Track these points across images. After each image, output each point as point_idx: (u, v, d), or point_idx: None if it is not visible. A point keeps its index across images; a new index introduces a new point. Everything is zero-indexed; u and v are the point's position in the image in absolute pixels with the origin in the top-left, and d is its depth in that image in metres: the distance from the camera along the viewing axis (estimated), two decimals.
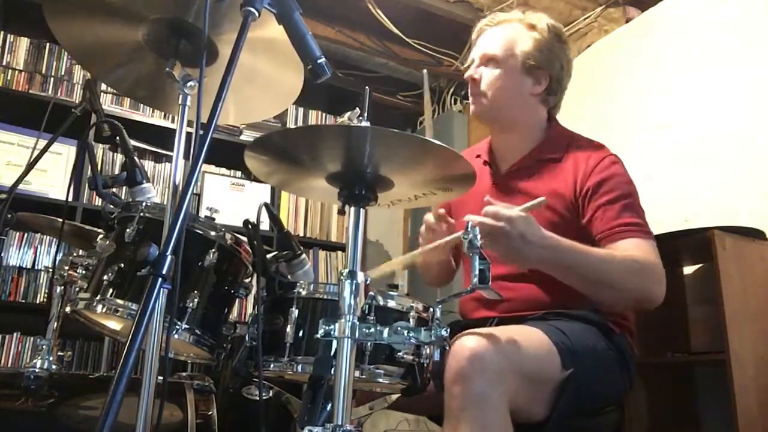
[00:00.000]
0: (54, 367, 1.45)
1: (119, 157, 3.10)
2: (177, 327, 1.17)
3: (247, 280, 1.34)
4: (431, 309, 1.17)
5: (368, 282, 1.03)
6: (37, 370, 1.40)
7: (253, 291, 1.26)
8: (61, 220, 1.66)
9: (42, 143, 1.53)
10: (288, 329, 1.12)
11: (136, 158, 1.40)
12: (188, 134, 1.10)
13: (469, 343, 1.16)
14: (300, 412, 1.05)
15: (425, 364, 1.13)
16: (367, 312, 1.08)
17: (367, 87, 1.21)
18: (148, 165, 3.18)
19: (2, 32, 2.99)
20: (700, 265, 2.33)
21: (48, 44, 3.07)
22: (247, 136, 3.38)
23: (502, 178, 1.58)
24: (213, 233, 1.25)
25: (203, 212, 1.31)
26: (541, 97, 1.57)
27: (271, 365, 1.13)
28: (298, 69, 1.22)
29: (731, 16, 2.48)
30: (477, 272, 1.13)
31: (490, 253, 1.13)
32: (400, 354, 1.09)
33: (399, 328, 1.04)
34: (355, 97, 3.40)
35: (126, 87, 1.46)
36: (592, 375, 1.30)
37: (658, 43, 2.79)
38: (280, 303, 1.16)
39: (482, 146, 1.69)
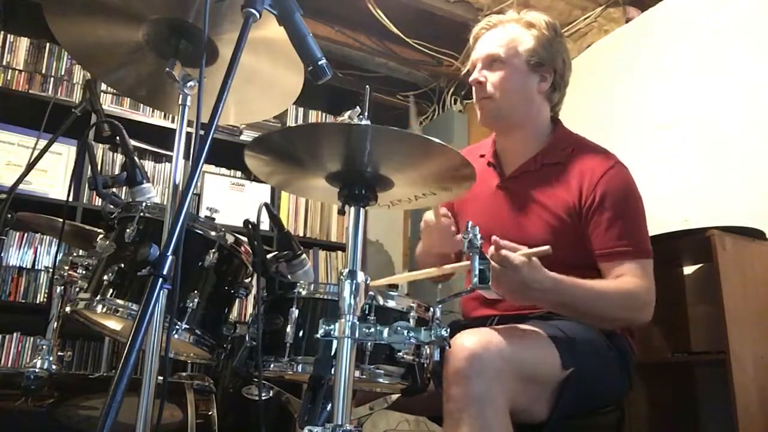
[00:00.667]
0: (54, 367, 1.45)
1: (119, 157, 3.10)
2: (177, 327, 1.17)
3: (247, 280, 1.34)
4: (431, 309, 1.17)
5: (368, 282, 1.03)
6: (37, 370, 1.40)
7: (253, 291, 1.26)
8: (61, 220, 1.66)
9: (42, 143, 1.53)
10: (288, 329, 1.12)
11: (136, 158, 1.40)
12: (188, 134, 1.10)
13: (467, 343, 1.16)
14: (300, 412, 1.05)
15: (425, 364, 1.13)
16: (367, 312, 1.08)
17: (367, 86, 1.21)
18: (148, 165, 3.18)
19: (2, 32, 2.99)
20: (700, 265, 2.33)
21: (48, 44, 3.07)
22: (247, 136, 3.38)
23: (506, 181, 1.57)
24: (213, 233, 1.25)
25: (203, 212, 1.31)
26: (546, 94, 1.56)
27: (271, 365, 1.13)
28: (298, 69, 1.22)
29: (731, 16, 2.48)
30: (477, 272, 1.13)
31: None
32: (400, 354, 1.09)
33: (399, 328, 1.04)
34: (355, 98, 3.39)
35: (126, 87, 1.46)
36: (592, 375, 1.30)
37: (658, 43, 2.79)
38: (280, 303, 1.16)
39: (486, 146, 1.67)
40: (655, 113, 2.72)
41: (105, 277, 1.21)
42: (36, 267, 2.83)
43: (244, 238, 1.27)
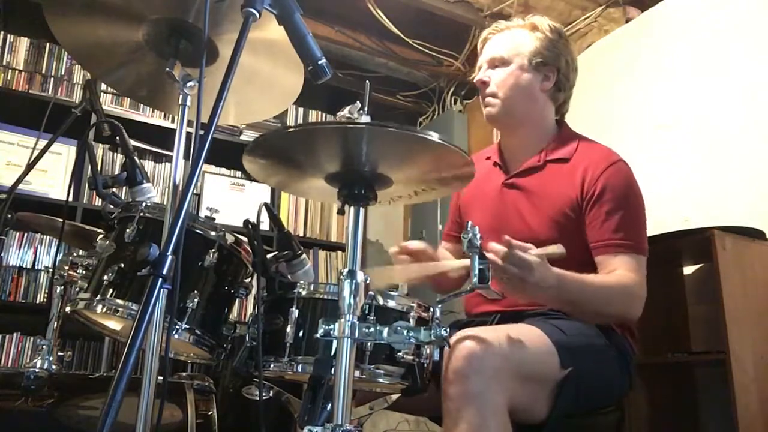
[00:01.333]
0: (54, 367, 1.45)
1: (119, 157, 3.10)
2: (177, 327, 1.17)
3: (247, 280, 1.34)
4: (431, 309, 1.17)
5: (368, 281, 1.03)
6: (37, 370, 1.40)
7: (253, 291, 1.26)
8: (61, 220, 1.66)
9: (42, 143, 1.53)
10: (288, 329, 1.11)
11: (136, 158, 1.40)
12: (188, 134, 1.10)
13: (466, 342, 1.16)
14: (300, 412, 1.05)
15: (425, 364, 1.13)
16: (367, 312, 1.08)
17: (367, 81, 1.21)
18: (148, 165, 3.18)
19: (2, 32, 2.99)
20: (700, 265, 2.33)
21: (48, 44, 3.07)
22: (247, 136, 3.39)
23: (511, 178, 1.59)
24: (213, 233, 1.25)
25: (203, 212, 1.31)
26: (550, 93, 1.59)
27: (271, 365, 1.13)
28: (298, 69, 1.22)
29: (731, 16, 2.48)
30: (477, 272, 1.13)
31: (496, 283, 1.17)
32: (400, 354, 1.09)
33: (399, 328, 1.04)
34: (355, 98, 3.37)
35: (126, 87, 1.46)
36: (591, 374, 1.30)
37: (658, 43, 2.79)
38: (280, 303, 1.16)
39: (492, 149, 1.71)
40: (655, 113, 2.72)
41: (105, 277, 1.21)
42: (36, 267, 2.83)
43: (244, 238, 1.27)
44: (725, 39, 2.48)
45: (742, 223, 2.10)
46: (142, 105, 3.12)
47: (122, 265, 1.21)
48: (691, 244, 2.12)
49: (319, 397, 1.02)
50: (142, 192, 1.39)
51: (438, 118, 4.06)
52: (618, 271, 1.38)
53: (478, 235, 1.14)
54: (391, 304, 1.13)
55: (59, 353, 1.55)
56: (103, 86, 2.88)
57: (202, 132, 0.84)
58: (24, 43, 3.04)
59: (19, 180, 1.45)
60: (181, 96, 1.15)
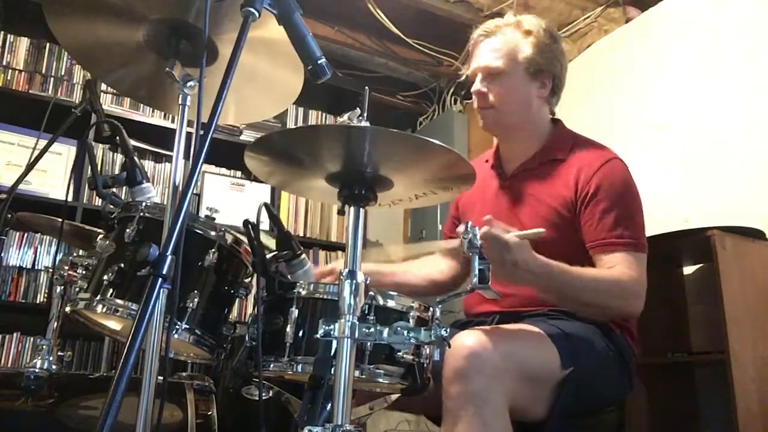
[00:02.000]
0: (54, 367, 1.45)
1: (119, 157, 3.10)
2: (177, 327, 1.17)
3: (247, 280, 1.34)
4: (431, 309, 1.17)
5: (368, 282, 1.03)
6: (37, 370, 1.40)
7: (253, 291, 1.26)
8: (61, 220, 1.66)
9: (42, 143, 1.53)
10: (288, 329, 1.12)
11: (136, 158, 1.40)
12: (188, 134, 1.10)
13: (467, 341, 1.16)
14: (300, 412, 1.05)
15: (425, 364, 1.13)
16: (366, 312, 1.08)
17: (366, 87, 1.21)
18: (148, 165, 3.18)
19: (2, 32, 2.99)
20: (700, 265, 2.33)
21: (48, 44, 3.07)
22: (247, 136, 3.38)
23: (508, 180, 1.60)
24: (213, 233, 1.25)
25: (203, 212, 1.31)
26: (546, 99, 1.59)
27: (271, 365, 1.13)
28: (298, 69, 1.22)
29: (731, 16, 2.48)
30: (477, 272, 1.13)
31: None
32: (400, 354, 1.09)
33: (399, 328, 1.04)
34: (355, 97, 3.38)
35: (126, 87, 1.46)
36: (591, 374, 1.30)
37: (658, 43, 2.79)
38: (280, 303, 1.16)
39: (490, 152, 1.72)
40: (655, 113, 2.72)
41: (105, 277, 1.20)
42: (36, 267, 2.83)
43: (245, 238, 1.27)
44: (725, 39, 2.48)
45: (742, 223, 2.10)
46: (142, 105, 3.12)
47: (122, 265, 1.21)
48: (691, 244, 2.12)
49: (319, 397, 1.02)
50: (142, 192, 1.39)
51: (438, 118, 4.05)
52: (617, 267, 1.37)
53: (479, 236, 1.15)
54: (391, 304, 1.14)
55: (59, 353, 1.55)
56: (103, 86, 2.88)
57: (202, 132, 0.84)
58: (24, 43, 3.03)
59: (19, 180, 1.45)
60: (181, 96, 1.16)
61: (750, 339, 1.93)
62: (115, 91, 3.09)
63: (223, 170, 3.39)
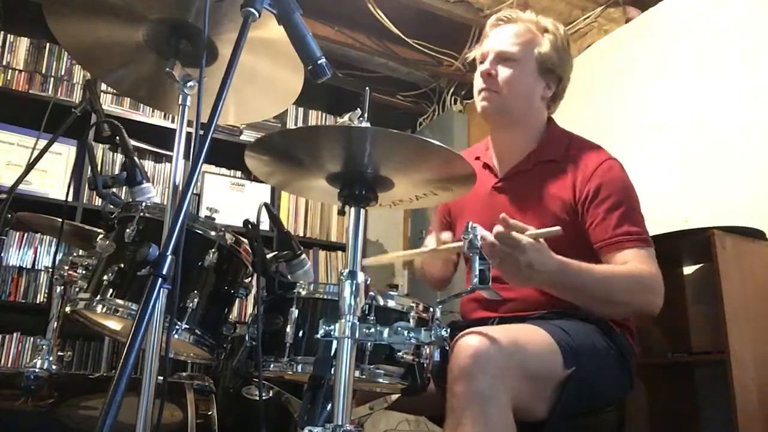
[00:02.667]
0: (54, 367, 1.45)
1: (119, 157, 3.10)
2: (177, 327, 1.17)
3: (247, 280, 1.34)
4: (431, 309, 1.17)
5: (368, 282, 1.03)
6: (37, 370, 1.40)
7: (253, 291, 1.26)
8: (61, 220, 1.66)
9: (42, 143, 1.53)
10: (288, 329, 1.12)
11: (136, 158, 1.40)
12: (188, 134, 1.10)
13: (472, 341, 1.16)
14: (300, 412, 1.05)
15: (425, 364, 1.13)
16: (367, 312, 1.08)
17: (367, 87, 1.21)
18: (148, 165, 3.18)
19: (2, 32, 2.99)
20: (700, 265, 2.33)
21: (48, 44, 3.07)
22: (247, 136, 3.39)
23: (501, 181, 1.58)
24: (213, 233, 1.25)
25: (203, 212, 1.31)
26: (547, 102, 1.59)
27: (271, 365, 1.13)
28: (298, 69, 1.22)
29: (731, 16, 2.48)
30: (477, 272, 1.13)
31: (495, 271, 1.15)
32: (400, 354, 1.09)
33: (399, 328, 1.04)
34: (355, 97, 3.40)
35: (126, 87, 1.46)
36: (593, 374, 1.30)
37: (658, 43, 2.79)
38: (280, 303, 1.16)
39: (481, 148, 1.69)
40: (655, 113, 2.72)
41: (105, 277, 1.21)
42: (36, 267, 2.83)
43: (245, 239, 1.27)
44: (725, 39, 2.48)
45: (742, 223, 2.10)
46: (142, 105, 3.12)
47: (122, 265, 1.21)
48: (691, 244, 2.12)
49: (319, 397, 1.02)
50: (142, 192, 1.39)
51: (438, 118, 4.06)
52: (631, 263, 1.35)
53: (479, 236, 1.14)
54: (391, 304, 1.14)
55: (59, 353, 1.55)
56: (103, 86, 2.88)
57: (202, 132, 0.84)
58: (24, 43, 3.03)
59: (19, 180, 1.45)
60: (181, 96, 1.16)
61: (750, 339, 1.93)
62: (115, 91, 3.09)
63: (223, 170, 3.39)
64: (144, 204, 1.28)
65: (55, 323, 1.56)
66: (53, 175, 2.92)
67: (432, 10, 3.30)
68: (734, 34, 2.45)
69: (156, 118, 3.18)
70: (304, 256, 1.29)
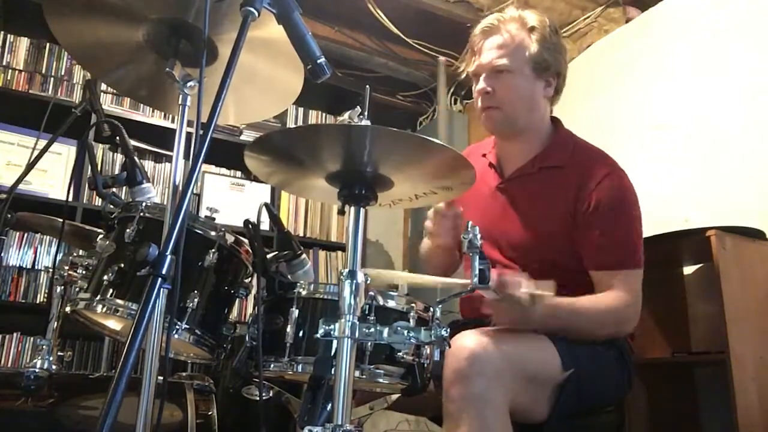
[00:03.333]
0: (54, 367, 1.45)
1: (119, 157, 3.10)
2: (177, 327, 1.17)
3: (247, 280, 1.34)
4: (431, 309, 1.17)
5: (368, 282, 1.03)
6: (37, 370, 1.40)
7: (253, 291, 1.26)
8: (61, 220, 1.66)
9: (42, 143, 1.53)
10: (288, 329, 1.12)
11: (136, 158, 1.40)
12: (188, 134, 1.10)
13: (468, 343, 1.16)
14: (300, 412, 1.05)
15: (425, 364, 1.13)
16: (367, 312, 1.08)
17: (367, 86, 1.21)
18: (148, 165, 3.18)
19: (2, 32, 2.99)
20: (700, 265, 2.33)
21: (48, 44, 3.07)
22: (247, 136, 3.38)
23: (505, 182, 1.57)
24: (213, 233, 1.25)
25: (203, 212, 1.31)
26: (550, 99, 1.57)
27: (271, 365, 1.13)
28: (298, 69, 1.22)
29: (731, 16, 2.48)
30: (477, 272, 1.13)
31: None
32: (400, 354, 1.10)
33: (399, 328, 1.04)
34: (355, 97, 3.38)
35: (126, 87, 1.46)
36: (592, 375, 1.30)
37: (658, 43, 2.79)
38: (280, 303, 1.16)
39: (488, 145, 1.67)
40: (655, 113, 2.72)
41: (105, 277, 1.21)
42: (36, 267, 2.83)
43: (245, 239, 1.27)
44: (725, 39, 2.48)
45: (742, 223, 2.10)
46: (142, 105, 3.12)
47: (122, 265, 1.21)
48: (691, 244, 2.12)
49: (319, 397, 1.02)
50: (142, 192, 1.39)
51: (437, 118, 4.05)
52: (612, 292, 1.37)
53: (479, 236, 1.14)
54: (391, 304, 1.14)
55: (59, 353, 1.55)
56: (103, 86, 2.88)
57: (202, 132, 0.84)
58: (24, 43, 3.03)
59: (19, 180, 1.45)
60: (181, 96, 1.16)
61: (750, 339, 1.93)
62: (115, 91, 3.09)
63: (223, 170, 3.39)
64: (144, 204, 1.28)
65: (55, 323, 1.56)
66: (53, 175, 2.92)
67: (432, 10, 3.30)
68: (734, 34, 2.45)
69: (156, 118, 3.18)
70: (304, 256, 1.29)
